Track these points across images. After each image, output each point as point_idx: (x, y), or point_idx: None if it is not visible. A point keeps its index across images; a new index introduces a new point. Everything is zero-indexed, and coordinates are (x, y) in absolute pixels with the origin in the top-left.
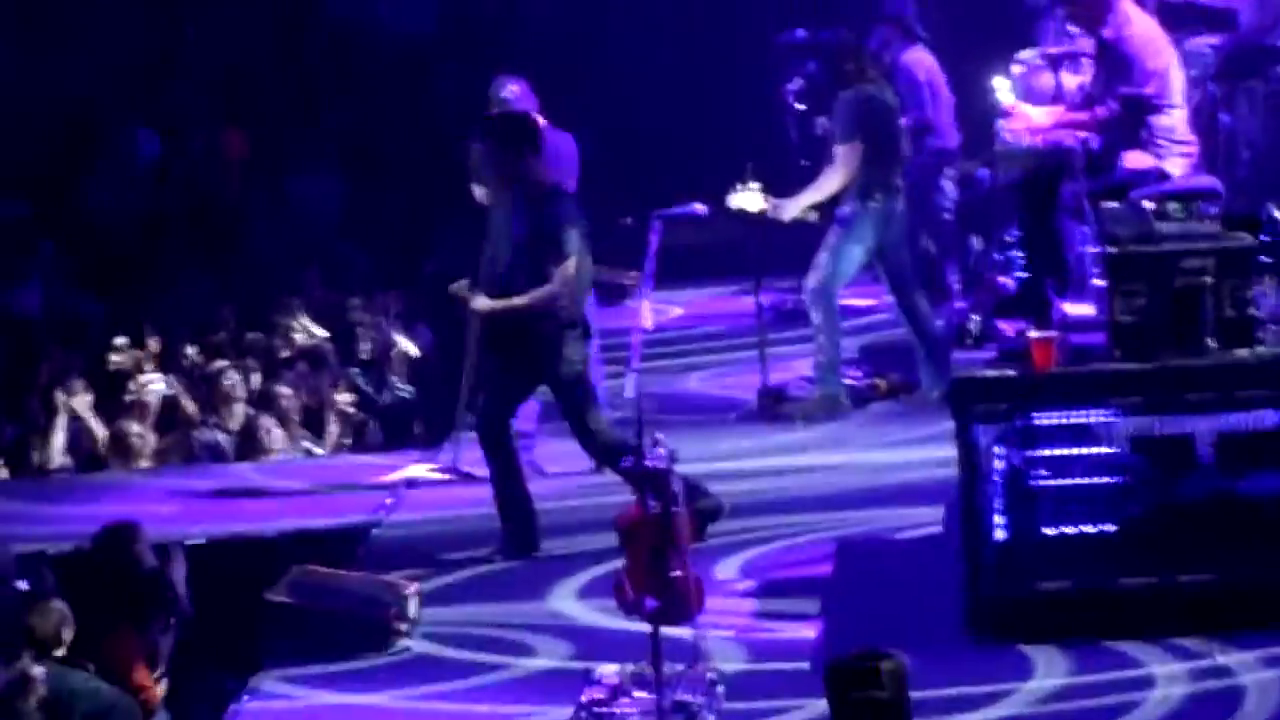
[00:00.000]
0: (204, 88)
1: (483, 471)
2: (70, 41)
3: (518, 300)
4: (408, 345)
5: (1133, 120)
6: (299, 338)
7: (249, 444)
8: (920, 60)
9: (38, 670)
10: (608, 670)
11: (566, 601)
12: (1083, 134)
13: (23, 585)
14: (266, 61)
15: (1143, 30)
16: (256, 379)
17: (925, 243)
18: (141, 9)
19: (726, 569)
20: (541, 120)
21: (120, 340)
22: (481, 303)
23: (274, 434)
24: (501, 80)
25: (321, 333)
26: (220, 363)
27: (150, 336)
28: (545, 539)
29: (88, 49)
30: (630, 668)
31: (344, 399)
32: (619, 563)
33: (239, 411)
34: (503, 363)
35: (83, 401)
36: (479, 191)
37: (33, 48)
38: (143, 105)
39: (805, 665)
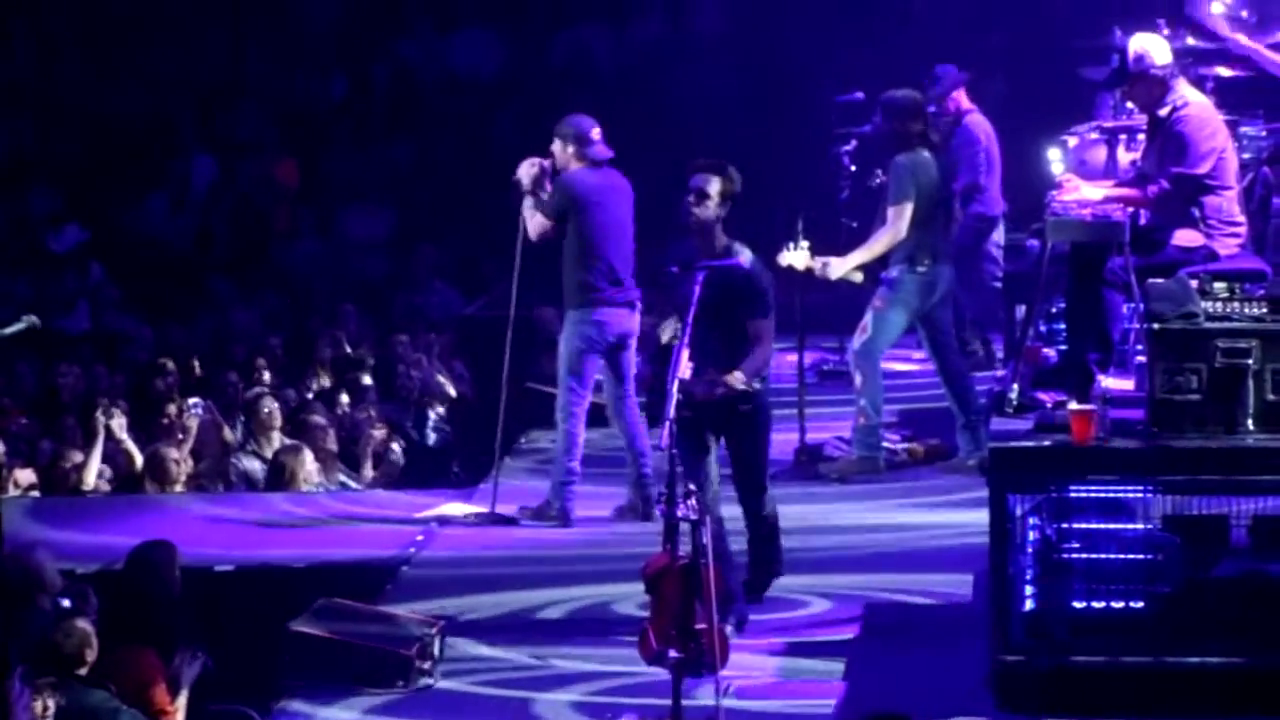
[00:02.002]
0: (265, 117)
1: (514, 513)
2: (133, 67)
3: None
4: (448, 384)
5: (1183, 199)
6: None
7: (283, 473)
8: (981, 124)
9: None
10: None
11: (591, 648)
12: (1131, 209)
13: (65, 603)
14: (330, 95)
15: (1198, 111)
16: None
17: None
18: (206, 37)
19: (753, 624)
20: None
21: (168, 364)
22: None
23: (309, 466)
24: (588, 121)
25: (364, 367)
26: (260, 390)
27: (193, 360)
28: (573, 585)
29: (150, 75)
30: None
31: (382, 434)
32: (645, 612)
33: (276, 440)
34: None
35: (120, 423)
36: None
37: (96, 73)
38: (202, 130)
39: None
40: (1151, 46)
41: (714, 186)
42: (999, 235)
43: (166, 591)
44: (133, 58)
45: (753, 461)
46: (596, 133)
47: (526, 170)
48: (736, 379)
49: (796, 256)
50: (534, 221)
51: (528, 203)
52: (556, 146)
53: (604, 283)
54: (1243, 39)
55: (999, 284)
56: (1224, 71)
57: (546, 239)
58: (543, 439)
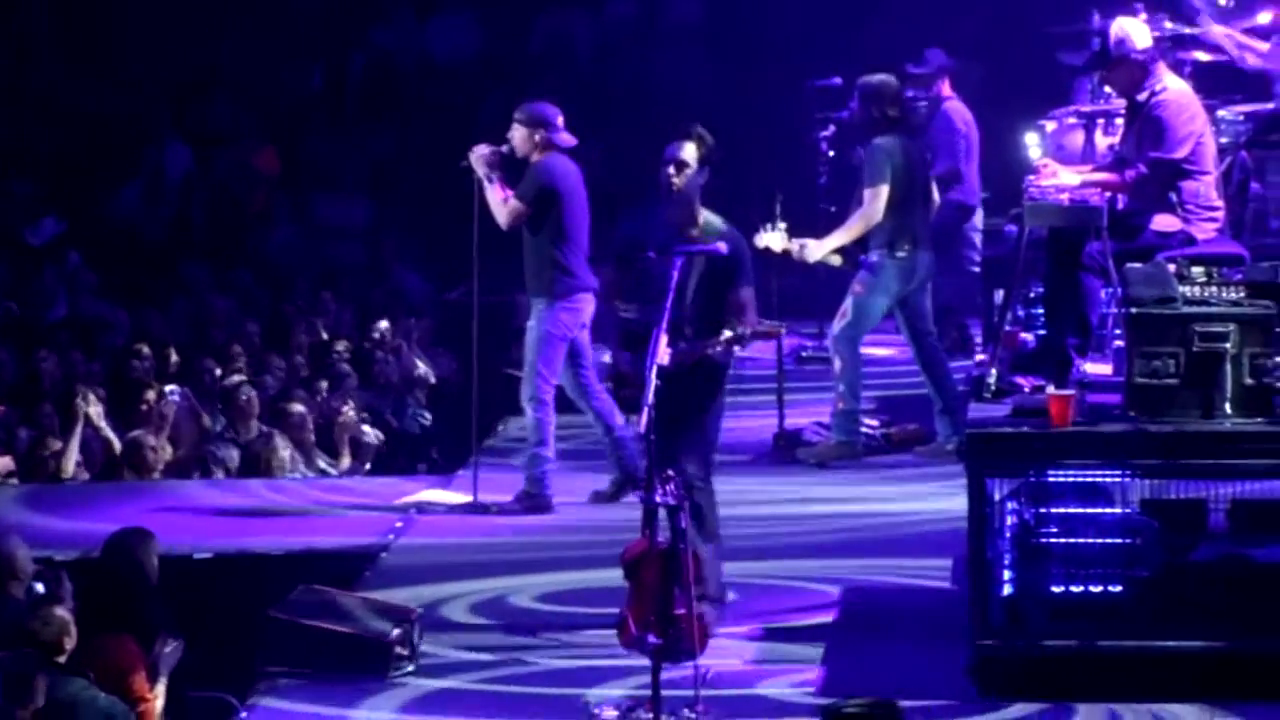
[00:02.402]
0: (240, 105)
1: (495, 500)
2: (109, 57)
3: None
4: (427, 371)
5: (1161, 184)
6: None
7: (260, 461)
8: (960, 111)
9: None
10: (607, 711)
11: (569, 632)
12: (1109, 194)
13: (39, 588)
14: (306, 82)
15: (1177, 96)
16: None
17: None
18: (181, 26)
19: (732, 609)
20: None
21: (144, 349)
22: None
23: (286, 452)
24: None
25: (342, 354)
26: (237, 377)
27: (170, 348)
28: (552, 571)
29: (126, 65)
30: (628, 704)
31: (354, 420)
32: (623, 597)
33: (254, 427)
34: None
35: (98, 410)
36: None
37: (71, 63)
38: (177, 121)
39: (805, 710)
40: (1132, 30)
41: (689, 152)
42: (978, 220)
43: (145, 579)
44: (109, 49)
45: (699, 433)
46: (561, 119)
47: (480, 156)
48: (726, 337)
49: (774, 238)
50: (507, 208)
51: (490, 190)
52: (521, 133)
53: (582, 269)
54: (1216, 29)
55: (977, 269)
56: (1202, 56)
57: (517, 226)
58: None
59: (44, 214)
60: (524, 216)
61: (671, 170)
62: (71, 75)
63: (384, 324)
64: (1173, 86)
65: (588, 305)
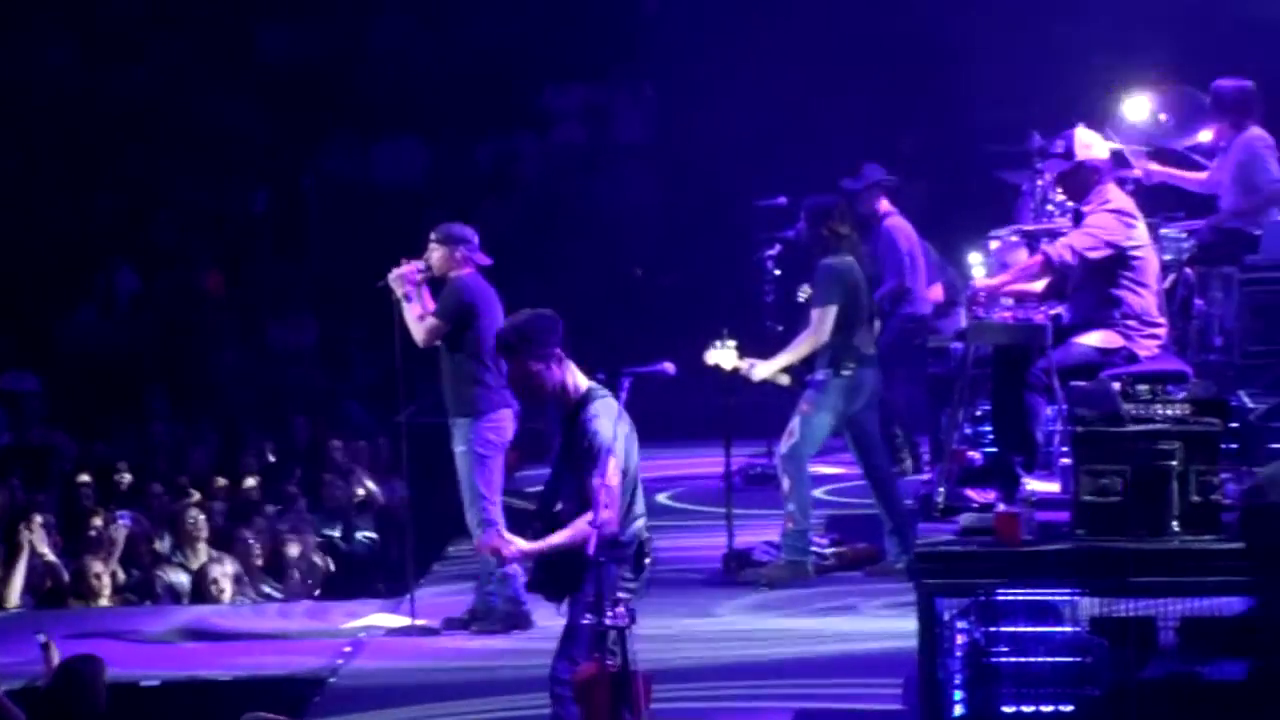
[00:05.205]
0: (189, 229)
1: (438, 623)
2: (61, 182)
3: None
4: (377, 493)
5: (1097, 290)
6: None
7: (208, 586)
8: (902, 227)
9: None
10: None
11: None
12: (1054, 311)
13: None
14: (253, 205)
15: (1119, 208)
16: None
17: (895, 413)
18: (130, 153)
19: None
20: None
21: (85, 478)
22: None
23: (232, 577)
24: (470, 228)
25: (291, 478)
26: (185, 501)
27: (120, 473)
28: (502, 694)
29: (76, 190)
30: None
31: (309, 544)
32: None
33: (203, 551)
34: None
35: (40, 536)
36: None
37: (24, 188)
38: (127, 245)
39: None
40: (1094, 141)
41: (516, 373)
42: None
43: (93, 706)
44: (61, 172)
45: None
46: (477, 239)
47: (401, 275)
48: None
49: (724, 355)
50: (424, 326)
51: (409, 308)
52: (440, 252)
53: (498, 387)
54: (1155, 169)
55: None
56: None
57: (433, 344)
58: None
59: None
60: (441, 333)
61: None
62: (21, 198)
63: (338, 444)
64: (1116, 200)
65: (509, 422)
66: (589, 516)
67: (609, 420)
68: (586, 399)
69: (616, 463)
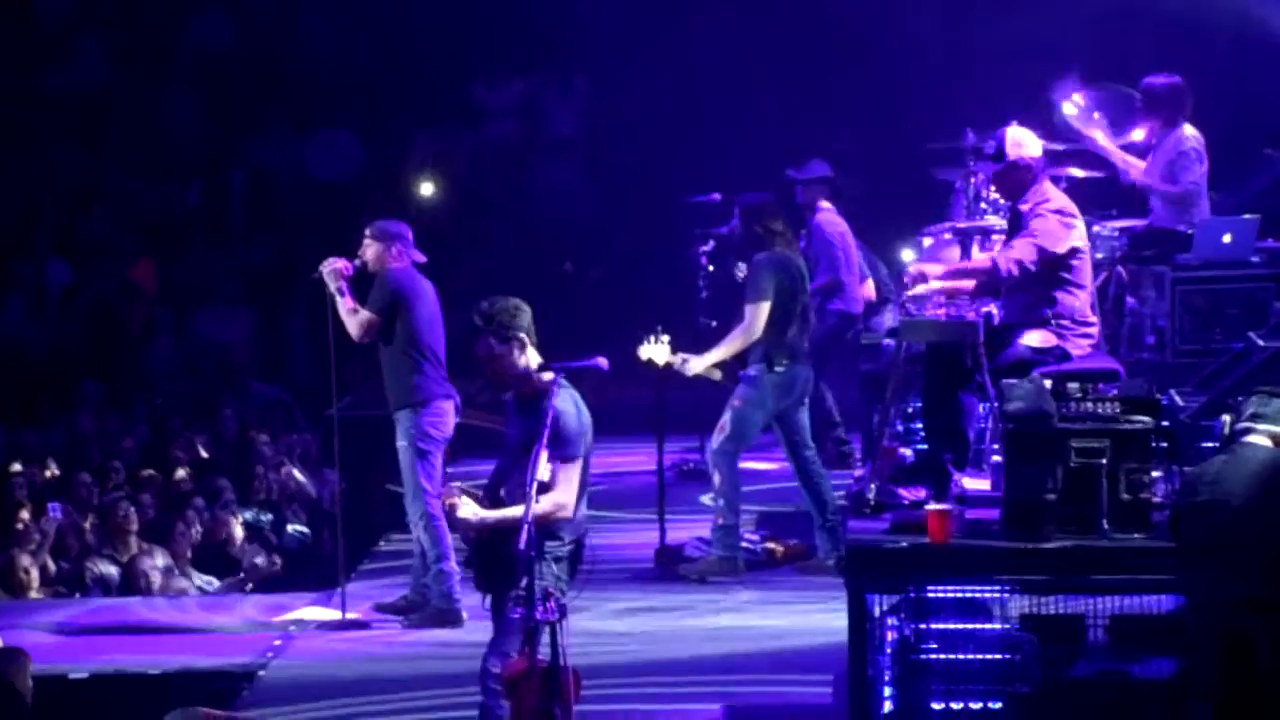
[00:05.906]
0: (120, 221)
1: (370, 618)
2: None
3: None
4: (308, 486)
5: (1035, 293)
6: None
7: (137, 578)
8: (835, 223)
9: None
10: None
11: None
12: (985, 309)
13: None
14: (185, 198)
15: (1059, 208)
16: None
17: (829, 406)
18: (64, 145)
19: None
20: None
21: (15, 467)
22: None
23: (162, 569)
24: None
25: (221, 470)
26: (115, 494)
27: (49, 465)
28: (431, 688)
29: (6, 183)
30: None
31: (239, 537)
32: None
33: (133, 544)
34: None
35: None
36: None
37: None
38: (58, 237)
39: None
40: (1025, 139)
41: (482, 350)
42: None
43: (19, 701)
44: None
45: None
46: (411, 235)
47: (334, 269)
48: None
49: (657, 350)
50: (356, 319)
51: (342, 303)
52: (375, 248)
53: (437, 378)
54: (1101, 138)
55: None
56: (1077, 172)
57: (368, 338)
58: (403, 541)
59: None
60: (374, 326)
61: (489, 373)
62: None
63: (265, 437)
64: (1055, 199)
65: (450, 415)
66: (551, 495)
67: (575, 412)
68: (552, 388)
69: (578, 454)
